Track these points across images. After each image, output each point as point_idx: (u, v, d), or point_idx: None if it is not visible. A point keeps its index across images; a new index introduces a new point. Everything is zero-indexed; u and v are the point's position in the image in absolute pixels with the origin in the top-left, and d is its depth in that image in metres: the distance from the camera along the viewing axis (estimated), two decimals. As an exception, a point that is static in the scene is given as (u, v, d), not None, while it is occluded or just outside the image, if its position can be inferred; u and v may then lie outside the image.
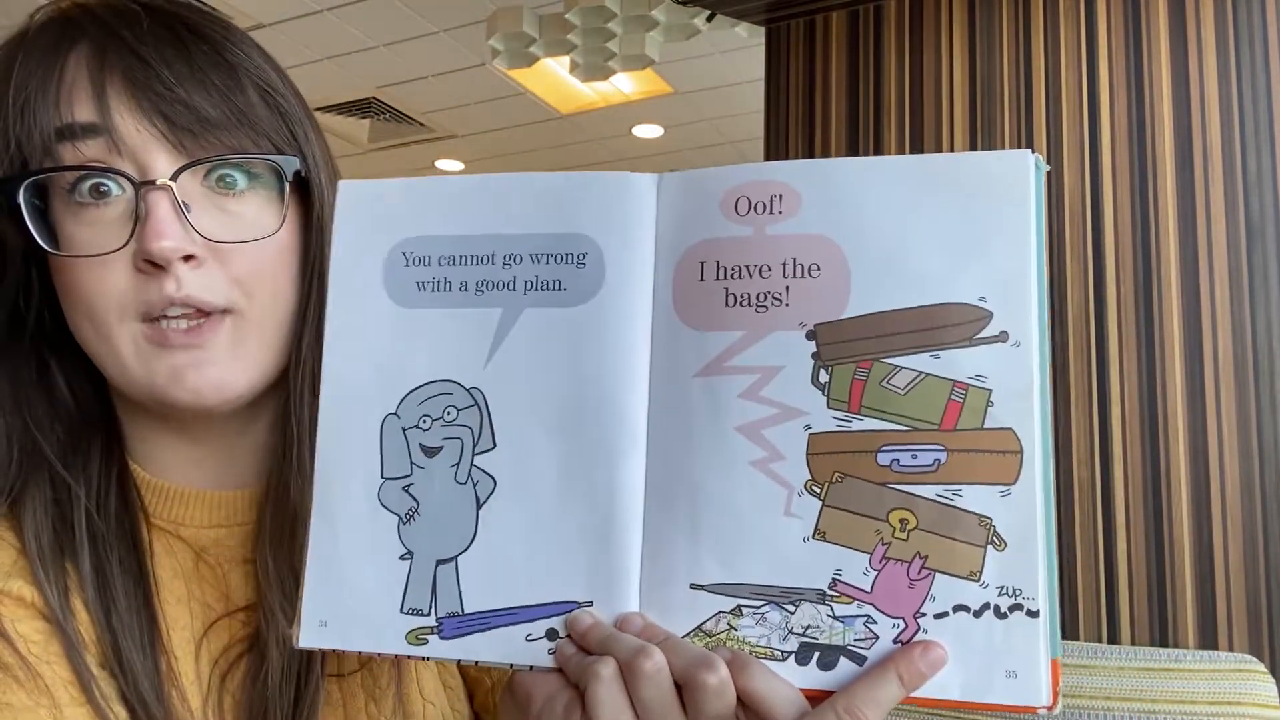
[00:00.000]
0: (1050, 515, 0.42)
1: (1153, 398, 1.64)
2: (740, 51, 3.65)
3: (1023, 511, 0.42)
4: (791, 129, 2.08)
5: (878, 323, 0.43)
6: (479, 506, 0.47)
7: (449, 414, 0.48)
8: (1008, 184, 0.43)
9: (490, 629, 0.46)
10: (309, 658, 0.57)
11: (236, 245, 0.54)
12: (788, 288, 0.44)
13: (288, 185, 0.57)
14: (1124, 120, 1.74)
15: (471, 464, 0.47)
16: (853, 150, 2.01)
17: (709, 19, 2.76)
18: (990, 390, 0.42)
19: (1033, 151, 0.43)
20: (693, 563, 0.44)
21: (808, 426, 0.43)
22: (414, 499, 0.48)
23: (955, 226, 0.43)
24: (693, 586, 0.44)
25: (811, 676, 0.43)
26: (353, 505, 0.48)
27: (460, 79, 4.11)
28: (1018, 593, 0.41)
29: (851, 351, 0.43)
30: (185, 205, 0.53)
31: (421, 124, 4.68)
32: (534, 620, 0.46)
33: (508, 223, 0.48)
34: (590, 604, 0.45)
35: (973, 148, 1.89)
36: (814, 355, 0.44)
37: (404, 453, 0.48)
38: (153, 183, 0.52)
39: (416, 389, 0.48)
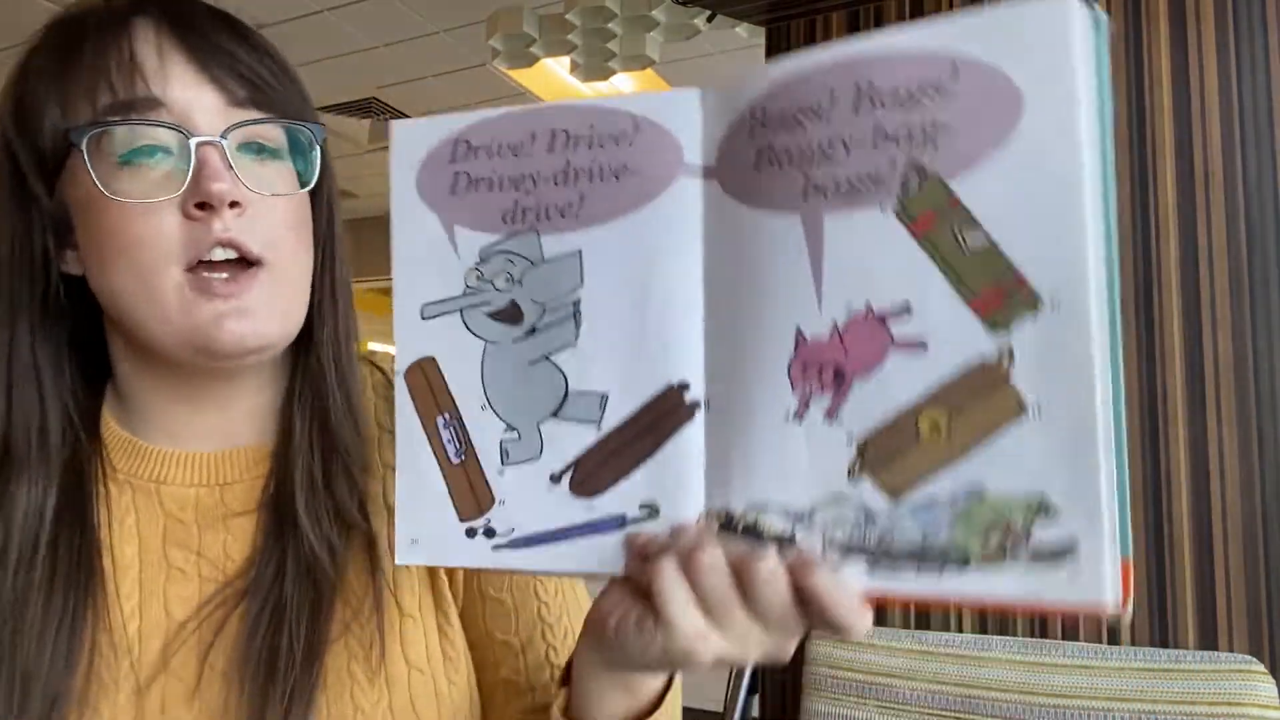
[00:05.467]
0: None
1: (1153, 399, 1.64)
2: (740, 51, 3.64)
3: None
4: (791, 129, 2.08)
5: None
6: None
7: None
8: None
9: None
10: (318, 601, 0.60)
11: (267, 205, 0.60)
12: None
13: (319, 149, 0.64)
14: (1124, 121, 1.74)
15: None
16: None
17: (709, 19, 2.76)
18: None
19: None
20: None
21: None
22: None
23: None
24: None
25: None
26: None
27: (460, 79, 4.11)
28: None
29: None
30: (230, 162, 0.59)
31: (421, 124, 4.68)
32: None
33: None
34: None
35: (973, 148, 1.89)
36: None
37: None
38: (208, 140, 0.59)
39: None
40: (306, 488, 0.63)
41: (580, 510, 0.49)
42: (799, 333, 0.44)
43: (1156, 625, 1.59)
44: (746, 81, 0.46)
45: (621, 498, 0.48)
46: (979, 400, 0.41)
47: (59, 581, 0.59)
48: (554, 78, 4.13)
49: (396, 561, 0.54)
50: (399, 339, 0.52)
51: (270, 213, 0.61)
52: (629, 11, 2.93)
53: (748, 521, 0.45)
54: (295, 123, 0.63)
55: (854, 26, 2.03)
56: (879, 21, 2.01)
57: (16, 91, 0.62)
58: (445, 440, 0.51)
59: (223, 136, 0.59)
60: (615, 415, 0.48)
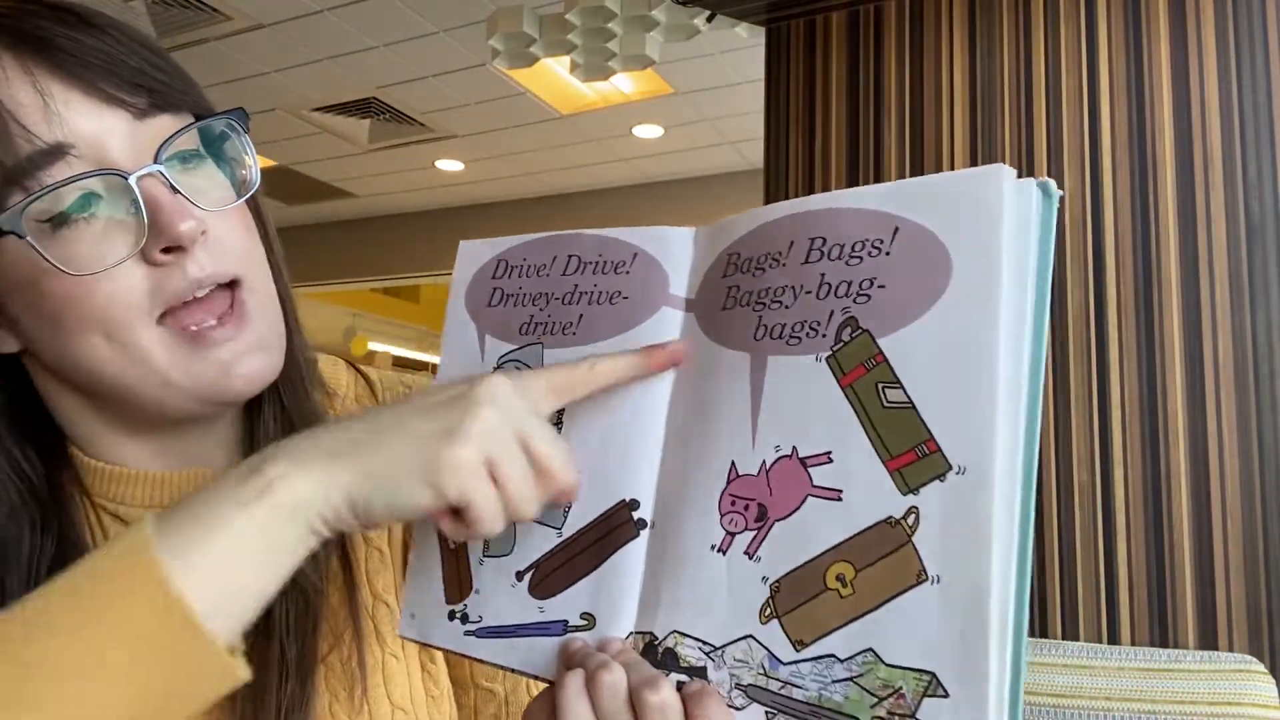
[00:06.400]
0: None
1: (1153, 399, 1.64)
2: (740, 51, 3.65)
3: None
4: (791, 129, 2.08)
5: None
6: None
7: None
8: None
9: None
10: (306, 610, 0.58)
11: (216, 217, 0.54)
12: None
13: (247, 137, 0.57)
14: (1124, 122, 1.74)
15: None
16: (853, 151, 2.01)
17: (709, 19, 2.76)
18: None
19: None
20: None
21: None
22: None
23: None
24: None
25: None
26: None
27: (460, 79, 4.11)
28: None
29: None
30: (174, 185, 0.52)
31: (421, 124, 4.68)
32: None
33: None
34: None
35: (973, 149, 1.89)
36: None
37: None
38: (147, 172, 0.51)
39: None
40: None
41: (534, 611, 0.51)
42: (733, 466, 0.46)
43: (1156, 625, 1.59)
44: (733, 224, 0.49)
45: (567, 604, 0.50)
46: (883, 560, 0.41)
47: None
48: (554, 78, 4.13)
49: (398, 633, 0.55)
50: None
51: (224, 225, 0.55)
52: (629, 11, 2.93)
53: (667, 647, 0.46)
54: (219, 116, 0.56)
55: (854, 26, 2.03)
56: (879, 22, 2.01)
57: None
58: None
59: (157, 161, 0.51)
60: (574, 524, 0.51)
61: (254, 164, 0.57)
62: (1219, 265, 1.63)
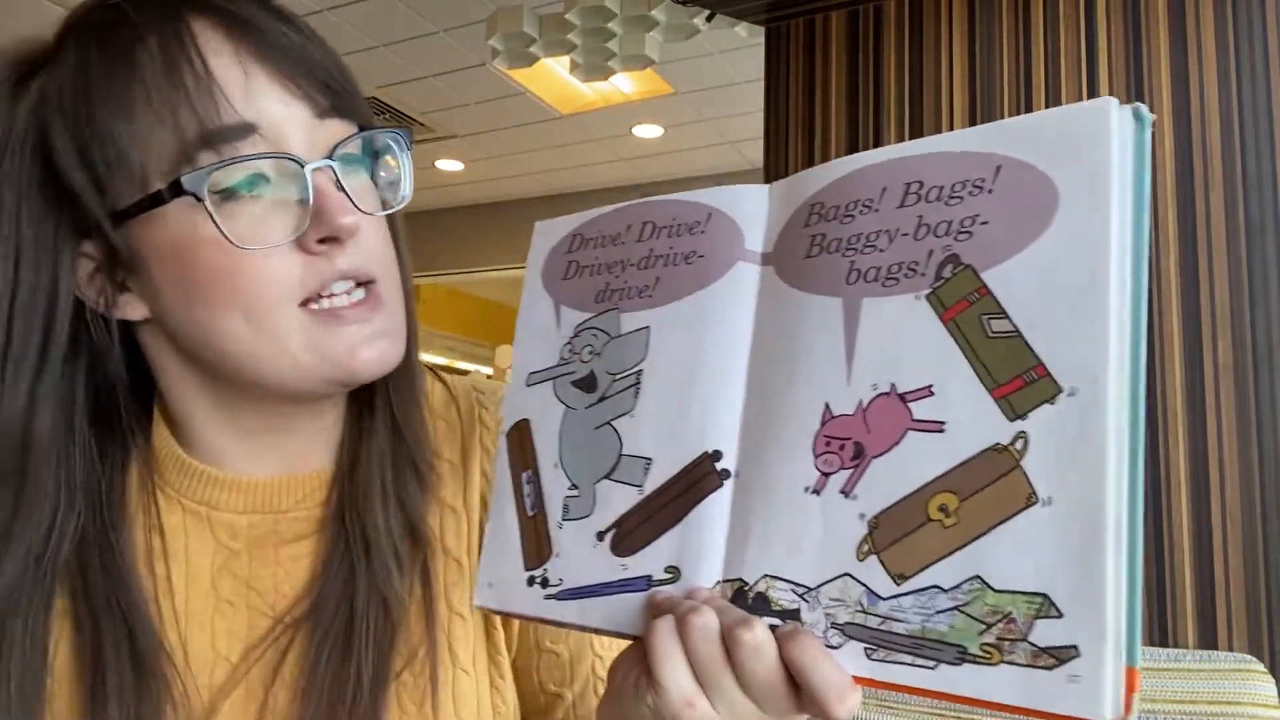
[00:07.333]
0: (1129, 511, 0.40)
1: (1153, 399, 1.64)
2: (740, 51, 3.65)
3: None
4: (791, 129, 2.08)
5: None
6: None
7: None
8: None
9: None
10: (386, 622, 0.58)
11: (366, 220, 0.57)
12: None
13: (408, 155, 0.61)
14: (1124, 121, 1.74)
15: None
16: (853, 150, 2.01)
17: (709, 19, 2.76)
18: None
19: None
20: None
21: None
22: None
23: None
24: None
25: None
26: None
27: (460, 79, 4.11)
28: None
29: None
30: (341, 183, 0.55)
31: (421, 124, 4.68)
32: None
33: None
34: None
35: (973, 148, 1.89)
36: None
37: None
38: (320, 166, 0.54)
39: None
40: (379, 499, 0.60)
41: (616, 568, 0.51)
42: (827, 408, 0.46)
43: (1156, 625, 1.59)
44: (813, 176, 0.50)
45: (651, 559, 0.50)
46: (989, 486, 0.41)
47: (107, 641, 0.55)
48: (554, 77, 4.13)
49: (475, 603, 0.55)
50: (507, 402, 0.57)
51: (371, 229, 0.58)
52: (629, 11, 2.93)
53: (758, 591, 0.46)
54: (388, 130, 0.59)
55: (853, 26, 2.03)
56: (879, 22, 2.01)
57: (59, 103, 0.53)
58: (525, 494, 0.55)
59: (329, 158, 0.55)
60: (656, 479, 0.50)
61: (408, 180, 0.61)
62: (1218, 265, 1.63)
